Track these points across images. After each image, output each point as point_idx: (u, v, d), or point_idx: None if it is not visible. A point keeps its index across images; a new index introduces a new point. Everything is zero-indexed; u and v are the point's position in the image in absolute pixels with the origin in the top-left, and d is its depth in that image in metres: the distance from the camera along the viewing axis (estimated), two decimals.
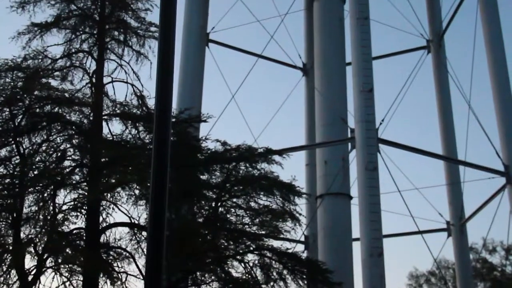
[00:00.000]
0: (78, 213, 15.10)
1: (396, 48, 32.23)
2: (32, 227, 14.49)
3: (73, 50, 18.54)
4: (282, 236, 16.36)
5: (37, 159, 15.75)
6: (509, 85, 25.01)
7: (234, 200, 16.50)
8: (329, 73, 23.98)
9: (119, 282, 15.33)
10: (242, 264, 15.79)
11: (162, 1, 6.69)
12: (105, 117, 17.06)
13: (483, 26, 26.08)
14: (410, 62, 38.46)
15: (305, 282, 16.41)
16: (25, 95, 16.67)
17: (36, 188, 15.07)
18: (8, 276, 14.52)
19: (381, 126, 21.28)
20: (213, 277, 15.88)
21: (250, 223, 16.29)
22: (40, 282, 14.63)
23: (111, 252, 15.99)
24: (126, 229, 15.99)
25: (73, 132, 16.29)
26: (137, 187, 15.27)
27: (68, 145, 16.19)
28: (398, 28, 29.91)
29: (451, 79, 28.18)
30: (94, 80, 17.79)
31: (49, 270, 14.83)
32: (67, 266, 15.04)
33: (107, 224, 15.64)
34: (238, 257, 15.71)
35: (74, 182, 15.61)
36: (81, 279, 15.16)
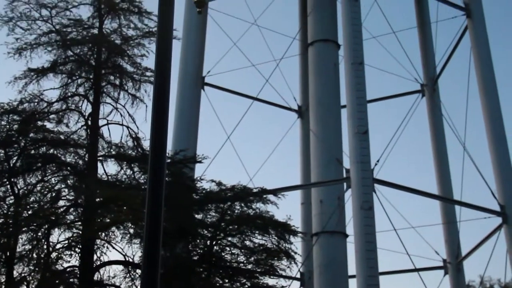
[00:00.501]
0: (72, 252, 15.05)
1: (391, 91, 32.60)
2: (26, 265, 14.44)
3: (69, 94, 18.75)
4: (277, 273, 16.29)
5: (31, 199, 15.79)
6: (503, 127, 25.26)
7: (229, 238, 16.49)
8: (324, 115, 24.23)
9: None
10: None
11: (157, 46, 6.84)
12: (100, 158, 17.15)
13: (476, 70, 26.46)
14: (404, 105, 38.83)
15: None
16: (20, 138, 16.80)
17: (30, 227, 15.05)
18: None
19: (376, 166, 21.40)
20: None
21: (245, 261, 16.25)
22: None
23: None
24: (121, 267, 15.91)
25: (68, 173, 16.36)
26: (132, 226, 15.26)
27: (63, 186, 16.24)
28: (393, 72, 30.21)
29: (445, 121, 28.41)
30: (89, 122, 17.95)
31: None
32: None
33: (101, 262, 15.57)
34: None
35: (68, 221, 15.60)
36: None
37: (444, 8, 28.33)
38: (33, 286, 14.27)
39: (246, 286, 15.65)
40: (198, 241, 16.40)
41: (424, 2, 31.02)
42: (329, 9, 26.88)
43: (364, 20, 24.78)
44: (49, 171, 16.34)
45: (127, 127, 18.31)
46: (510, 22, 61.81)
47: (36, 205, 15.64)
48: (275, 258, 16.26)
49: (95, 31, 19.63)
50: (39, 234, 15.01)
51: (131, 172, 17.18)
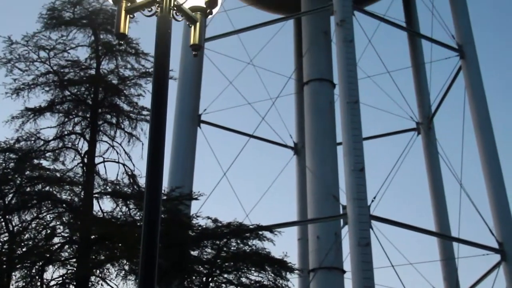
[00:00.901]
0: None
1: (387, 129, 32.70)
2: None
3: (66, 132, 18.85)
4: None
5: (26, 236, 15.74)
6: (499, 163, 25.35)
7: (226, 275, 16.41)
8: (320, 153, 24.37)
9: None
10: None
11: (154, 86, 6.96)
12: (96, 195, 17.17)
13: (471, 109, 26.67)
14: (400, 143, 38.87)
15: None
16: (16, 175, 16.85)
17: (24, 264, 14.98)
18: None
19: (373, 203, 21.42)
20: None
21: None
22: None
23: None
24: None
25: (64, 210, 16.35)
26: (127, 263, 15.20)
27: (58, 223, 16.21)
28: (388, 111, 30.43)
29: (441, 158, 28.50)
30: (86, 160, 18.01)
31: None
32: None
33: None
34: None
35: (62, 258, 15.53)
36: None
37: (437, 49, 28.70)
38: None
39: None
40: (194, 278, 16.31)
41: (418, 43, 31.40)
42: (324, 48, 27.24)
43: (359, 59, 25.13)
44: (45, 208, 16.33)
45: (123, 164, 18.39)
46: (503, 61, 62.44)
47: (30, 242, 15.59)
48: None
49: (93, 71, 19.84)
50: (33, 271, 14.94)
51: (127, 209, 17.18)
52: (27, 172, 16.87)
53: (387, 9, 29.66)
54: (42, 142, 18.10)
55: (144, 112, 19.67)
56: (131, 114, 19.61)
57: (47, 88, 19.39)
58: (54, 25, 19.61)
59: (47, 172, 16.96)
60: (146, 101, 20.23)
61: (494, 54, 58.56)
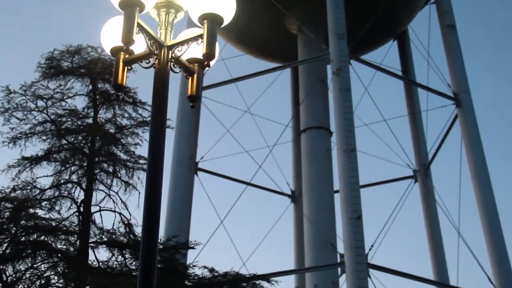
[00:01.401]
0: None
1: (384, 177, 32.72)
2: None
3: (62, 181, 18.80)
4: None
5: (20, 287, 15.56)
6: (497, 211, 25.30)
7: None
8: (317, 200, 24.33)
9: None
10: None
11: (151, 135, 6.99)
12: (92, 244, 17.03)
13: (468, 156, 26.74)
14: (398, 190, 38.88)
15: None
16: (11, 225, 16.74)
17: None
18: None
19: (371, 251, 21.30)
20: None
21: None
22: None
23: None
24: None
25: (59, 260, 16.20)
26: None
27: (53, 273, 16.05)
28: (385, 158, 30.51)
29: (438, 206, 28.47)
30: (81, 209, 17.92)
31: None
32: None
33: None
34: None
35: None
36: None
37: (434, 97, 28.92)
38: None
39: None
40: None
41: (414, 91, 31.67)
42: (321, 96, 27.45)
43: (355, 107, 25.27)
44: (39, 258, 16.17)
45: (120, 213, 18.29)
46: (499, 108, 62.91)
47: None
48: None
49: (90, 120, 19.90)
50: None
51: (123, 258, 17.03)
52: (23, 222, 16.76)
53: (383, 57, 30.04)
54: (38, 191, 18.03)
55: (141, 161, 19.66)
56: (128, 163, 19.59)
57: (44, 137, 19.41)
58: (52, 75, 19.74)
59: (43, 222, 16.86)
60: (143, 150, 20.26)
61: (490, 101, 59.06)
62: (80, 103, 20.10)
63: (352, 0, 25.76)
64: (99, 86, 20.12)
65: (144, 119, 20.13)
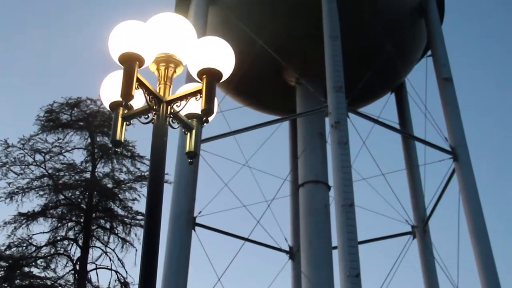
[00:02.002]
0: None
1: (382, 233, 32.43)
2: None
3: (59, 238, 18.66)
4: None
5: None
6: (495, 267, 24.93)
7: None
8: (315, 257, 24.01)
9: None
10: None
11: (149, 191, 6.93)
12: None
13: (466, 211, 26.51)
14: (396, 247, 38.61)
15: None
16: (6, 284, 16.48)
17: None
18: None
19: None
20: None
21: None
22: None
23: None
24: None
25: None
26: None
27: None
28: (383, 214, 30.29)
29: (437, 263, 28.15)
30: (78, 267, 17.72)
31: None
32: None
33: None
34: None
35: None
36: None
37: (431, 151, 28.91)
38: None
39: None
40: None
41: (412, 145, 31.71)
42: (319, 150, 27.41)
43: (353, 161, 25.19)
44: None
45: (116, 271, 18.10)
46: (496, 163, 62.97)
47: None
48: None
49: (88, 175, 19.88)
50: None
51: None
52: (17, 281, 16.53)
53: (381, 110, 30.16)
54: (34, 248, 17.87)
55: (139, 217, 19.59)
56: (125, 219, 19.49)
57: (41, 192, 19.35)
58: (51, 128, 19.82)
59: (38, 281, 16.65)
60: (141, 205, 20.17)
61: (488, 152, 59.16)
62: (78, 156, 20.20)
63: (350, 53, 25.97)
64: (98, 139, 20.17)
65: (142, 173, 20.11)
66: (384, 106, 31.30)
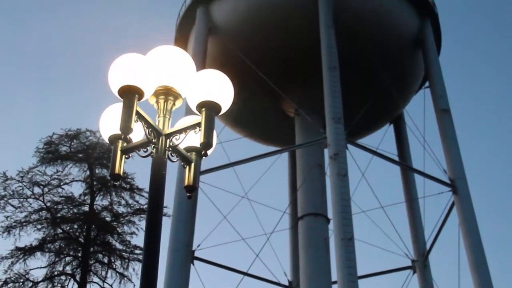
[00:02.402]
0: None
1: (382, 267, 32.17)
2: None
3: (56, 273, 18.48)
4: None
5: None
6: None
7: None
8: None
9: None
10: None
11: (147, 224, 6.87)
12: None
13: (465, 245, 26.35)
14: (397, 282, 38.23)
15: None
16: None
17: None
18: None
19: None
20: None
21: None
22: None
23: None
24: None
25: None
26: None
27: None
28: (383, 248, 30.09)
29: None
30: None
31: None
32: None
33: None
34: None
35: None
36: None
37: (430, 183, 28.81)
38: None
39: None
40: None
41: (411, 177, 31.63)
42: (318, 182, 27.33)
43: (353, 193, 25.11)
44: None
45: None
46: (495, 194, 62.88)
47: None
48: None
49: (86, 208, 19.77)
50: None
51: None
52: None
53: (380, 141, 30.12)
54: (30, 284, 17.66)
55: (137, 251, 19.41)
56: (123, 253, 19.33)
57: (39, 226, 19.20)
58: (50, 160, 19.74)
59: None
60: (139, 239, 20.02)
61: (487, 184, 59.08)
62: (77, 189, 20.12)
63: (348, 84, 26.06)
64: (97, 171, 20.08)
65: (141, 206, 20.02)
66: (383, 138, 31.32)
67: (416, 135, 30.24)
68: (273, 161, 30.32)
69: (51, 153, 19.75)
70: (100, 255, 19.24)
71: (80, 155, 19.85)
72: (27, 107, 61.79)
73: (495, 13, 73.38)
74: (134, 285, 18.62)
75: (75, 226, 19.58)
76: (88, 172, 19.75)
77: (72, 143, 19.95)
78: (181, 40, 30.88)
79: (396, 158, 30.59)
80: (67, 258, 18.88)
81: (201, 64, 27.14)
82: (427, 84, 30.67)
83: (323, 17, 26.35)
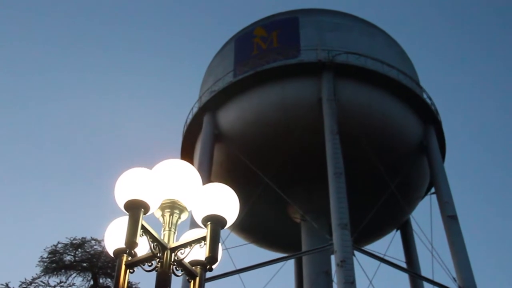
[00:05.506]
0: None
1: None
2: None
3: None
4: None
5: None
6: None
7: None
8: None
9: None
10: None
11: None
12: None
13: None
14: None
15: None
16: None
17: None
18: None
19: None
20: None
21: None
22: None
23: None
24: None
25: None
26: None
27: None
28: None
29: None
30: None
31: None
32: None
33: None
34: None
35: None
36: None
37: None
38: None
39: None
40: None
41: (419, 285, 31.15)
42: None
43: None
44: None
45: None
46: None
47: None
48: None
49: None
50: None
51: None
52: None
53: (387, 247, 29.81)
54: None
55: None
56: None
57: None
58: (54, 269, 19.46)
59: None
60: None
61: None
62: None
63: (354, 191, 26.10)
64: (101, 281, 19.79)
65: None
66: (390, 244, 31.06)
67: (424, 242, 29.96)
68: (279, 268, 30.01)
69: (55, 262, 19.51)
70: None
71: (84, 264, 19.59)
72: (29, 220, 61.70)
73: (498, 112, 74.35)
74: None
75: None
76: (91, 282, 19.46)
77: (77, 252, 19.75)
78: (187, 147, 31.27)
79: (404, 265, 30.21)
80: None
81: (208, 170, 27.38)
82: (433, 190, 30.68)
83: (328, 124, 26.78)
